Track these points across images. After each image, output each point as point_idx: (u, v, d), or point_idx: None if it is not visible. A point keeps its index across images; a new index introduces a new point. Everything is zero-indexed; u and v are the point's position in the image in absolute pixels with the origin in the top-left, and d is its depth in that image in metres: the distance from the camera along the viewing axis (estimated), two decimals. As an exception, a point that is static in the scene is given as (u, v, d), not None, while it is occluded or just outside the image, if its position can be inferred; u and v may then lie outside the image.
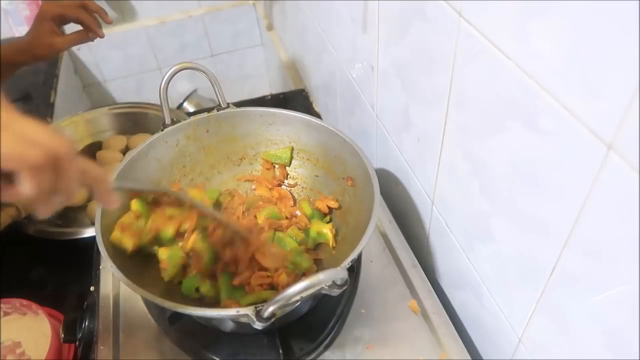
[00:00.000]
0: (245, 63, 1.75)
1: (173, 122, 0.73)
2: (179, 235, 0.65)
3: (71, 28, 0.88)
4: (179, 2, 1.57)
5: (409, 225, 0.76)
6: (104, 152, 1.04)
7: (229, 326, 0.61)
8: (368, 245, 0.54)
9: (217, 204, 0.75)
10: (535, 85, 0.39)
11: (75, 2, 0.86)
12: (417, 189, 0.70)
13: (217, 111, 0.75)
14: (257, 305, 0.47)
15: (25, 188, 0.36)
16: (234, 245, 0.64)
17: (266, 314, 0.46)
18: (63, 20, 0.86)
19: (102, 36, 0.88)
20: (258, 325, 0.47)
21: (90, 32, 0.86)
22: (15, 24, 1.40)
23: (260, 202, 0.75)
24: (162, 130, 0.72)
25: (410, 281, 0.67)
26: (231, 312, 0.49)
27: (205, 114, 0.75)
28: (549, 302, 0.46)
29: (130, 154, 0.68)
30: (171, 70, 0.68)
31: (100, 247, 0.56)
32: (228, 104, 0.75)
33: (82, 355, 0.65)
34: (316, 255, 0.68)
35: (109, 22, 0.90)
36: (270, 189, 0.76)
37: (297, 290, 0.44)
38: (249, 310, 0.47)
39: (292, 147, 0.76)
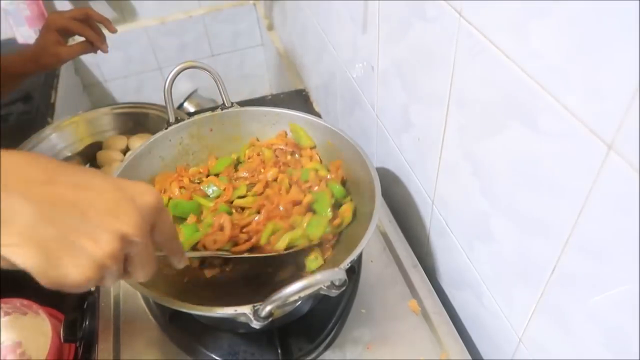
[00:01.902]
0: (245, 63, 1.75)
1: (177, 121, 0.73)
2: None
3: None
4: (179, 2, 1.58)
5: (409, 225, 0.76)
6: (104, 152, 1.04)
7: (229, 325, 0.61)
8: (368, 245, 0.55)
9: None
10: (535, 85, 0.39)
11: (80, 15, 0.89)
12: (417, 188, 0.70)
13: (222, 110, 0.75)
14: (255, 305, 0.47)
15: None
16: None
17: (264, 313, 0.46)
18: (68, 33, 0.88)
19: (105, 51, 0.92)
20: (256, 325, 0.47)
21: (94, 47, 0.91)
22: (15, 24, 1.40)
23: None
24: (166, 129, 0.72)
25: (410, 281, 0.67)
26: (229, 311, 0.49)
27: (209, 113, 0.75)
28: (549, 302, 0.46)
29: (133, 152, 0.69)
30: (176, 69, 0.68)
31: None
32: (232, 103, 0.75)
33: (82, 355, 0.65)
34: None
35: (114, 32, 0.93)
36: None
37: (295, 290, 0.45)
38: (246, 310, 0.47)
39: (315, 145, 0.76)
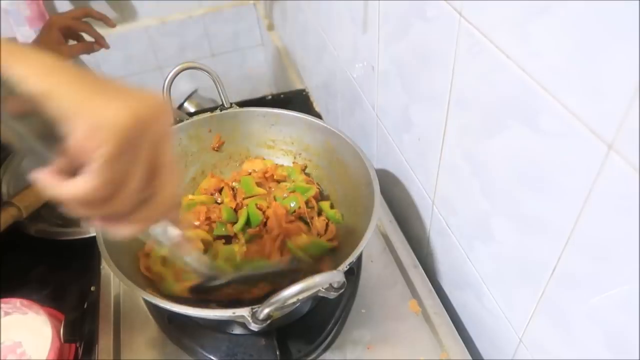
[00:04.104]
0: (245, 63, 1.75)
1: (176, 122, 0.73)
2: None
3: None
4: (179, 2, 1.57)
5: (409, 225, 0.76)
6: (104, 152, 1.04)
7: (227, 327, 0.61)
8: (368, 245, 0.54)
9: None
10: (535, 85, 0.39)
11: (81, 14, 0.92)
12: (417, 189, 0.70)
13: (220, 111, 0.75)
14: (253, 307, 0.47)
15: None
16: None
17: (262, 315, 0.46)
18: (70, 32, 0.92)
19: (107, 47, 0.97)
20: (254, 327, 0.47)
21: (95, 44, 0.95)
22: (16, 24, 1.39)
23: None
24: (164, 130, 0.72)
25: (410, 281, 0.67)
26: (227, 313, 0.49)
27: (208, 114, 0.75)
28: (549, 302, 0.46)
29: None
30: (175, 70, 0.68)
31: (100, 246, 0.56)
32: (231, 104, 0.75)
33: (82, 355, 0.65)
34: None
35: (113, 27, 0.97)
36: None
37: (293, 292, 0.44)
38: (245, 312, 0.47)
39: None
